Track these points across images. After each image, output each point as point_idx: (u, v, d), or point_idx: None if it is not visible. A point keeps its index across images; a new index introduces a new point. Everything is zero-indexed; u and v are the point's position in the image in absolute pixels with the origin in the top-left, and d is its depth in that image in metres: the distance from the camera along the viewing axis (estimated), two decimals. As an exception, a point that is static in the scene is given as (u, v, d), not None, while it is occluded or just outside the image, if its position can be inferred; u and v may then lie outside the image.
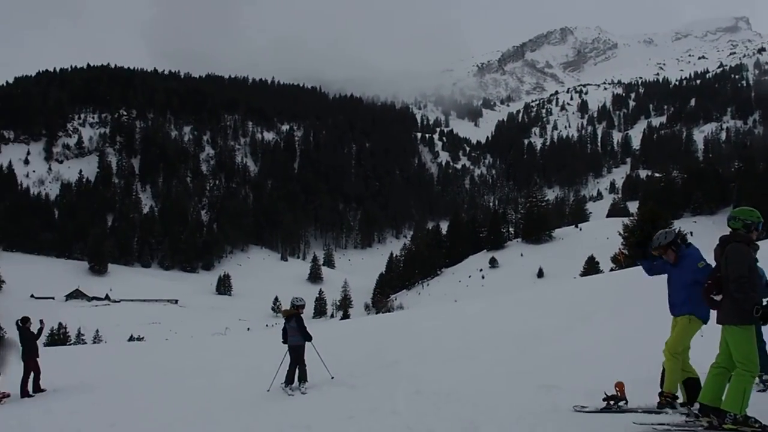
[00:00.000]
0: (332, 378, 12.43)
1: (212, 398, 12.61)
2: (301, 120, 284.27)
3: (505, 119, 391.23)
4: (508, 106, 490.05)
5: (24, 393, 15.20)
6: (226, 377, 15.00)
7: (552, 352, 12.29)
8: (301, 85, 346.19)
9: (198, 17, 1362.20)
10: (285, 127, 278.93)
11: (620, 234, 53.47)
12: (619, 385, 7.70)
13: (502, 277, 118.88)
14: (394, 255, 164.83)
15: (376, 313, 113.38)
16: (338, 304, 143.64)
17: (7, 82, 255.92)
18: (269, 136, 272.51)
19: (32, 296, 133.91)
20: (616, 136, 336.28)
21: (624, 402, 7.62)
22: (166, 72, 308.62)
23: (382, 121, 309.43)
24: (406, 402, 9.74)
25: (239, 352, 20.89)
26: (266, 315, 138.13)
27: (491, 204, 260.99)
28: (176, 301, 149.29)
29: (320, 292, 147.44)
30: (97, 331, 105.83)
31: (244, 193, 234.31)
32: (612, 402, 7.64)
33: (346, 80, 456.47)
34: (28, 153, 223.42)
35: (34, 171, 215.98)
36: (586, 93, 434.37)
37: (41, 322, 16.60)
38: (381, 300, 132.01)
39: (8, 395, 15.24)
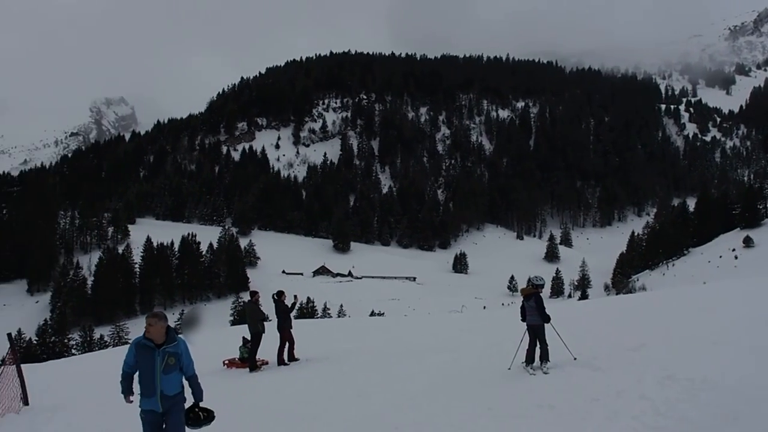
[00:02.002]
0: (575, 359, 11.97)
1: (454, 374, 12.63)
2: (537, 96, 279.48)
3: (761, 85, 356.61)
4: (765, 71, 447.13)
5: (280, 361, 16.25)
6: (466, 354, 14.97)
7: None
8: (536, 60, 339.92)
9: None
10: (520, 104, 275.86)
11: None
12: None
13: (758, 258, 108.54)
14: (636, 234, 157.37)
15: (617, 293, 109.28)
16: (576, 284, 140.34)
17: (259, 72, 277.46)
18: (504, 113, 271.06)
19: (283, 272, 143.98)
20: None
21: None
22: (403, 55, 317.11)
23: (623, 93, 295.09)
24: (657, 387, 9.11)
25: (477, 330, 20.83)
26: (502, 294, 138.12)
27: (745, 179, 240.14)
28: (414, 279, 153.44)
29: (557, 271, 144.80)
30: (341, 305, 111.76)
31: (479, 171, 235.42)
32: None
33: (583, 53, 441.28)
34: (279, 138, 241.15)
35: (284, 155, 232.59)
36: None
37: (295, 297, 17.63)
38: (622, 280, 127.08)
39: (266, 362, 16.47)
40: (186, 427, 7.30)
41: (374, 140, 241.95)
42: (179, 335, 7.40)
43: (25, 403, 13.42)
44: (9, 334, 15.57)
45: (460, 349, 15.91)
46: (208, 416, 7.37)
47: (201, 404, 7.43)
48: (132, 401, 7.46)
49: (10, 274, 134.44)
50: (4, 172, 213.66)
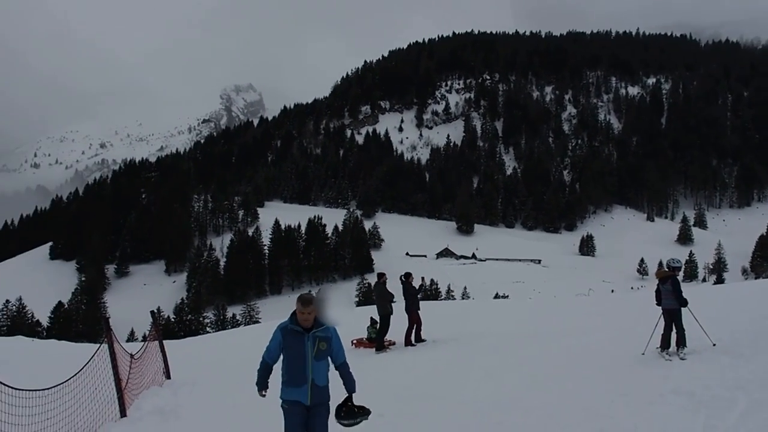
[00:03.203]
0: (714, 345, 11.38)
1: (583, 358, 12.28)
2: (669, 72, 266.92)
3: None
4: None
5: (407, 342, 16.31)
6: (596, 338, 14.55)
7: None
8: (668, 34, 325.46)
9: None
10: (651, 81, 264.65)
11: None
12: None
13: None
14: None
15: (755, 278, 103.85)
16: (711, 267, 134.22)
17: (382, 56, 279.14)
18: (634, 90, 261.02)
19: (407, 254, 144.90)
20: None
21: None
22: (527, 33, 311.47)
23: (764, 66, 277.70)
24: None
25: (605, 314, 20.23)
26: (631, 277, 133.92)
27: None
28: (539, 261, 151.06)
29: (690, 254, 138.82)
30: (465, 288, 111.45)
31: (607, 151, 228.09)
32: None
33: (721, 24, 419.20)
34: (402, 121, 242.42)
35: (407, 137, 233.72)
36: None
37: (423, 279, 17.65)
38: (762, 264, 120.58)
39: (393, 343, 16.60)
40: (339, 423, 6.57)
41: (498, 121, 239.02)
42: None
43: (168, 376, 14.10)
44: (152, 312, 16.42)
45: (589, 333, 15.48)
46: (363, 411, 6.56)
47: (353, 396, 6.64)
48: (265, 395, 6.74)
49: (150, 255, 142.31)
50: (143, 158, 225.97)
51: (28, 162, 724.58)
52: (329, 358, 6.56)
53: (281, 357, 6.55)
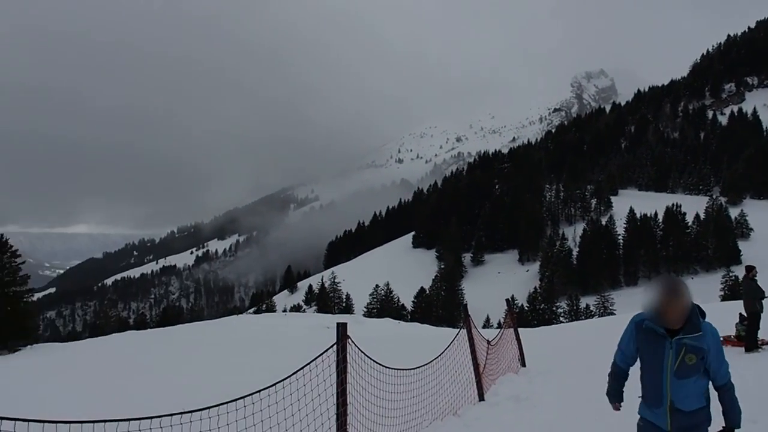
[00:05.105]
0: None
1: None
2: None
3: None
4: None
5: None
6: None
7: None
8: None
9: None
10: None
11: None
12: None
13: None
14: None
15: None
16: None
17: (748, 27, 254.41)
18: None
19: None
20: None
21: None
22: None
23: None
24: None
25: None
26: None
27: None
28: None
29: None
30: None
31: None
32: None
33: None
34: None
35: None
36: None
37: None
38: None
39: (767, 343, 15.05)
40: None
41: None
42: (704, 321, 4.60)
43: (523, 364, 14.29)
44: (507, 300, 16.79)
45: None
46: None
47: None
48: (619, 409, 5.21)
49: (503, 244, 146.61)
50: (495, 150, 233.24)
51: (393, 158, 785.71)
52: (704, 375, 4.61)
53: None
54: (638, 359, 4.88)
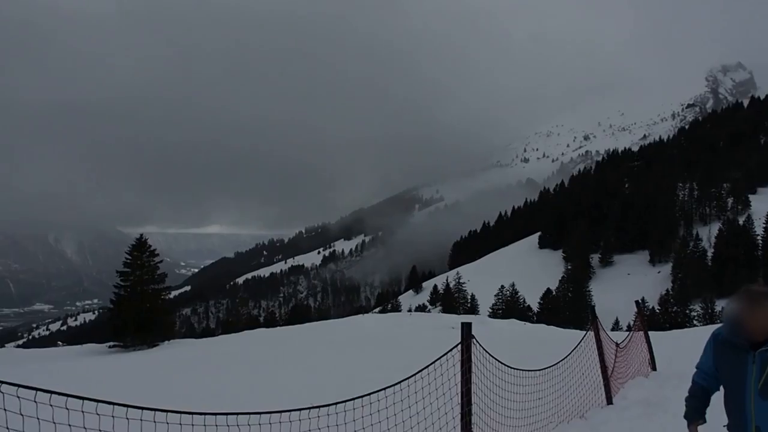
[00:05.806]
0: None
1: None
2: None
3: None
4: None
5: None
6: None
7: None
8: None
9: None
10: None
11: None
12: None
13: None
14: None
15: None
16: None
17: None
18: None
19: None
20: None
21: None
22: None
23: None
24: None
25: None
26: None
27: None
28: None
29: None
30: None
31: None
32: None
33: None
34: None
35: None
36: None
37: None
38: None
39: None
40: None
41: None
42: None
43: (653, 368, 14.35)
44: (637, 302, 16.82)
45: None
46: None
47: None
48: (697, 429, 4.65)
49: (633, 245, 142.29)
50: (625, 147, 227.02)
51: (518, 157, 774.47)
52: None
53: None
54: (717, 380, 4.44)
